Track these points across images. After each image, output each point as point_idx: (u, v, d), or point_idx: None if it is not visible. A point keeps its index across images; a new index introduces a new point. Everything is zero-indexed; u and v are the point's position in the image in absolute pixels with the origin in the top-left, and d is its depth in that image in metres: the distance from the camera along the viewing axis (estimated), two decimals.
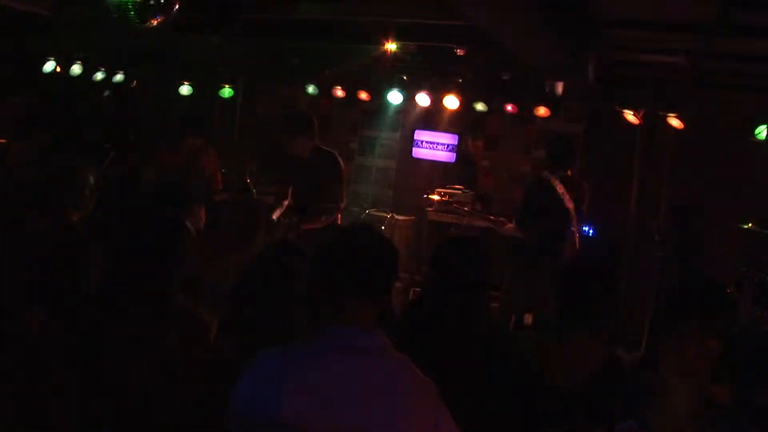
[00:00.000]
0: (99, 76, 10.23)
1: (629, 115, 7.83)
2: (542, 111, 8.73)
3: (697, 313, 2.68)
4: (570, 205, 6.77)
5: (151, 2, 4.84)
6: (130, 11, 4.57)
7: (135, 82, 10.56)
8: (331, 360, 2.22)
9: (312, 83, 9.60)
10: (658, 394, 2.62)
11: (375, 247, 2.35)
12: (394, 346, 2.71)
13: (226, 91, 10.23)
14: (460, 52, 7.25)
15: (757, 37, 5.83)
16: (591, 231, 8.48)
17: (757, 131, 7.93)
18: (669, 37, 6.18)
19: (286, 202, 6.93)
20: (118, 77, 10.36)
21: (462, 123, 9.78)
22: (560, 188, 6.73)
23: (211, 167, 7.79)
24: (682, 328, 2.66)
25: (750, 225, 7.62)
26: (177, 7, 5.01)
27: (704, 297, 2.80)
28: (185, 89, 10.22)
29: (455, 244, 3.91)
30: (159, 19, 4.86)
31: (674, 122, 7.95)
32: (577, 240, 6.82)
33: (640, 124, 8.21)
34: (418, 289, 7.94)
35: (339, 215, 6.82)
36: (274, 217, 6.83)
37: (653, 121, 8.62)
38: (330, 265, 2.33)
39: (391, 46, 8.11)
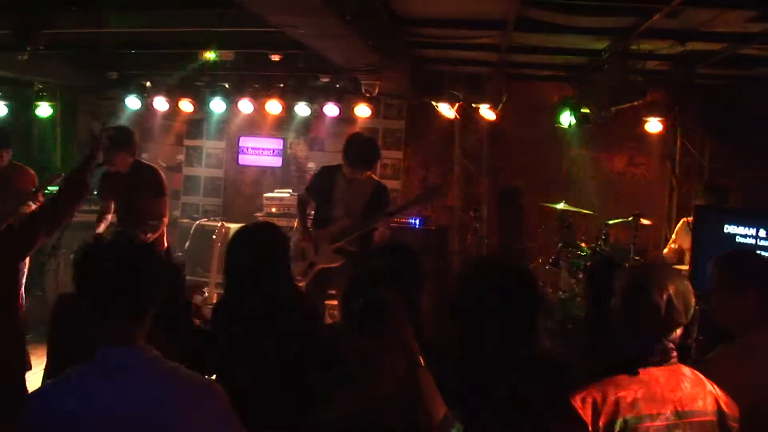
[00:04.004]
0: None
1: (445, 109, 8.16)
2: (362, 110, 8.99)
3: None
4: None
5: None
6: None
7: None
8: (102, 386, 2.21)
9: (132, 96, 9.41)
10: None
11: (126, 264, 2.31)
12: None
13: (45, 109, 9.83)
14: (275, 57, 7.33)
15: (552, 32, 6.28)
16: (418, 221, 8.78)
17: (559, 117, 8.50)
18: (472, 34, 6.52)
19: (109, 217, 6.85)
20: None
21: (286, 127, 9.93)
22: None
23: (27, 186, 7.56)
24: None
25: (562, 205, 8.15)
26: None
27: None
28: (0, 109, 9.72)
29: (239, 234, 3.85)
30: None
31: (487, 113, 8.35)
32: None
33: (456, 117, 8.58)
34: None
35: (164, 230, 6.78)
36: (99, 231, 6.73)
37: (468, 113, 9.06)
38: (88, 287, 2.31)
39: (210, 55, 8.09)
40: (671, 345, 2.53)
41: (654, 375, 2.49)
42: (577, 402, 2.42)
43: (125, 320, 2.28)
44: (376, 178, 6.80)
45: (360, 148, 6.49)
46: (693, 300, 2.55)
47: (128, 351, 2.27)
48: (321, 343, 3.06)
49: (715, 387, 2.55)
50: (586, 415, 2.39)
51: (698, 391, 2.51)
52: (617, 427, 2.38)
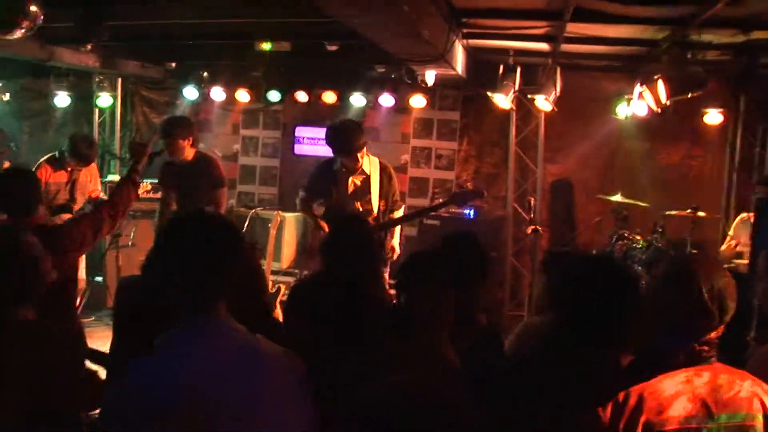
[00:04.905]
0: None
1: (500, 100, 8.12)
2: (418, 101, 9.02)
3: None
4: None
5: (14, 13, 4.81)
6: None
7: (8, 94, 10.30)
8: (199, 349, 2.29)
9: (190, 86, 9.56)
10: None
11: (207, 243, 2.36)
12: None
13: (105, 100, 10.05)
14: (331, 47, 7.39)
15: (608, 22, 6.22)
16: (472, 212, 8.77)
17: (616, 109, 8.45)
18: (527, 24, 6.49)
19: (173, 207, 6.97)
20: None
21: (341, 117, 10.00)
22: None
23: (91, 179, 7.83)
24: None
25: (618, 197, 8.09)
26: (42, 17, 4.97)
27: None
28: (63, 99, 9.92)
29: (345, 225, 4.14)
30: (23, 30, 4.82)
31: (542, 104, 8.29)
32: None
33: (511, 107, 8.55)
34: None
35: None
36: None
37: (523, 104, 9.01)
38: (169, 265, 2.38)
39: (266, 46, 8.19)
40: (708, 344, 2.36)
41: (688, 374, 2.33)
42: None
43: (208, 291, 2.34)
44: (377, 160, 6.73)
45: (345, 132, 6.46)
46: (734, 298, 2.37)
47: (213, 319, 2.33)
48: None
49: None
50: (605, 415, 2.28)
51: (742, 395, 2.33)
52: (639, 428, 2.25)
